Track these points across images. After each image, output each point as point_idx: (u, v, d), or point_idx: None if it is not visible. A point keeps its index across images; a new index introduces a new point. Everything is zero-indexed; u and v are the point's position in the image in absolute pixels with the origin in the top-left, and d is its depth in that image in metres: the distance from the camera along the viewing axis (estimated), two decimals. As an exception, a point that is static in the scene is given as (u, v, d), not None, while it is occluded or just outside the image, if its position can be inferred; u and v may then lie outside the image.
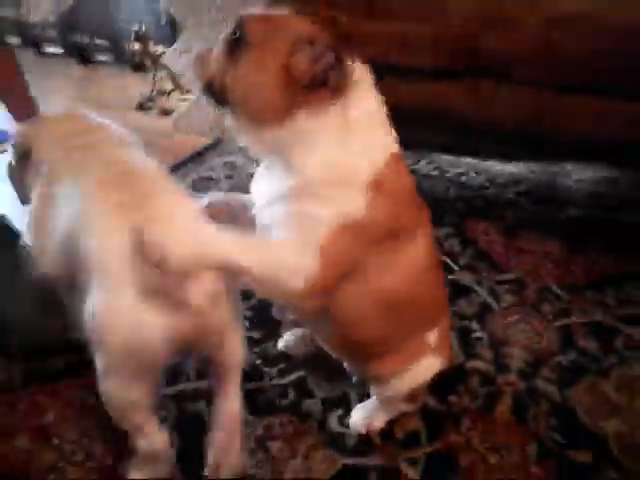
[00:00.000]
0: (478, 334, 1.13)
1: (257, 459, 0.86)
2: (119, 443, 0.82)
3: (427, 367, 0.83)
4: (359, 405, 0.94)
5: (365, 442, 0.90)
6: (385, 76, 1.22)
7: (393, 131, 0.72)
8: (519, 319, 1.17)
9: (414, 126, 1.80)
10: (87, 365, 0.92)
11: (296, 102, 0.64)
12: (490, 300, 1.22)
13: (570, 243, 1.42)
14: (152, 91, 2.40)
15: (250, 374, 0.98)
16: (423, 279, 0.76)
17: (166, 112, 2.31)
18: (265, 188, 0.73)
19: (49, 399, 0.97)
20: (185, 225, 0.67)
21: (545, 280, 1.29)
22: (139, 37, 2.27)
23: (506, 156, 1.84)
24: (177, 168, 1.79)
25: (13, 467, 0.85)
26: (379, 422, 0.91)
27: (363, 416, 0.91)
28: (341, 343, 0.80)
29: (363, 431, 0.91)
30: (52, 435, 0.90)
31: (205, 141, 2.03)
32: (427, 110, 1.27)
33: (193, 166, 1.83)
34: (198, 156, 1.91)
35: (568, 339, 1.12)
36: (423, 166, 1.86)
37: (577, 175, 1.78)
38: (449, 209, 1.58)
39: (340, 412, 0.95)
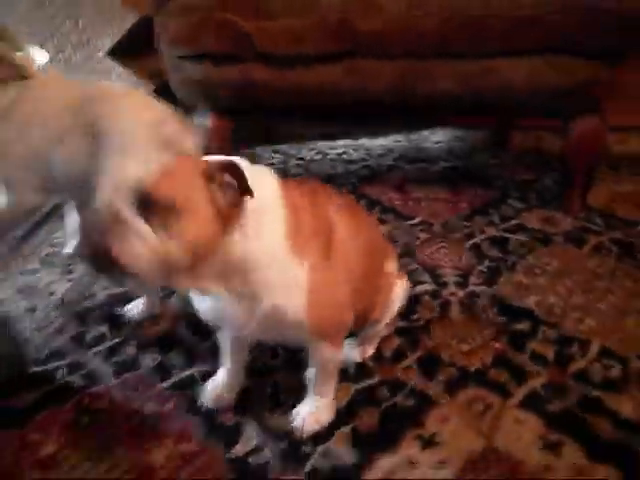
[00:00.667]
0: (414, 266, 1.33)
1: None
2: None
3: (400, 290, 1.02)
4: (348, 341, 1.05)
5: (363, 368, 1.04)
6: (277, 65, 1.40)
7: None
8: (438, 248, 1.41)
9: (294, 119, 1.99)
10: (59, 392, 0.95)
11: (232, 222, 0.69)
12: (410, 240, 1.44)
13: (450, 186, 1.72)
14: None
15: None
16: (366, 237, 0.90)
17: None
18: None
19: (39, 433, 0.93)
20: None
21: (444, 216, 1.56)
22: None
23: (374, 133, 2.13)
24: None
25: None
26: (371, 349, 1.06)
27: (357, 348, 1.05)
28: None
29: (359, 359, 1.05)
30: (57, 465, 0.88)
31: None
32: (314, 92, 1.45)
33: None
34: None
35: (479, 252, 1.38)
36: (307, 153, 2.05)
37: (434, 138, 2.12)
38: (343, 182, 1.78)
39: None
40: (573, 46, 1.30)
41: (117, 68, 1.83)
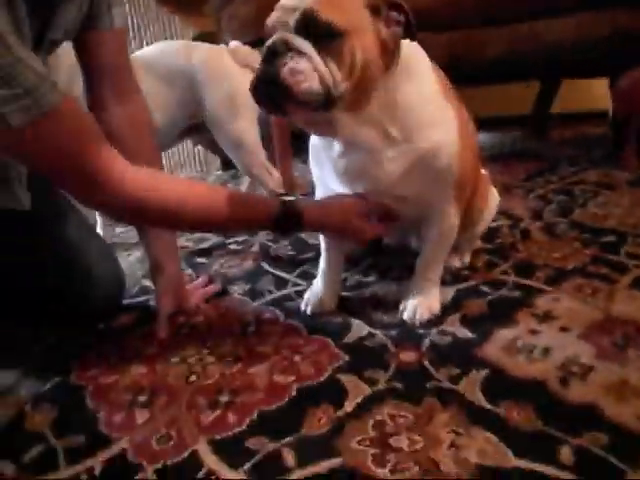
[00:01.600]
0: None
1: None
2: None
3: (493, 195, 1.04)
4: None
5: (459, 276, 1.03)
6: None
7: None
8: (504, 201, 1.43)
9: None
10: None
11: (392, 60, 0.72)
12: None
13: (501, 163, 1.77)
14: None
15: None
16: (472, 127, 0.92)
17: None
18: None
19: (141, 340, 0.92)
20: None
21: (502, 180, 1.59)
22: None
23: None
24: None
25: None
26: (467, 256, 1.09)
27: (454, 256, 1.05)
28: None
29: (458, 265, 1.07)
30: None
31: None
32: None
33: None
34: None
35: (545, 199, 1.41)
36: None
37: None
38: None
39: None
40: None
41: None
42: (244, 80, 1.19)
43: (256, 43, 1.51)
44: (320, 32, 0.65)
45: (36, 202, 0.91)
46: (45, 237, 0.93)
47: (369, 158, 0.79)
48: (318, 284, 0.98)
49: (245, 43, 1.53)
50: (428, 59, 0.79)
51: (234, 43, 1.33)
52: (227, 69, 1.30)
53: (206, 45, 1.35)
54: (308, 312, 0.96)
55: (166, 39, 1.92)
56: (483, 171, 1.04)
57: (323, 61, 0.66)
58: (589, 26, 1.43)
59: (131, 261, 1.30)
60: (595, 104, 2.33)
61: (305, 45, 0.65)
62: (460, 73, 1.56)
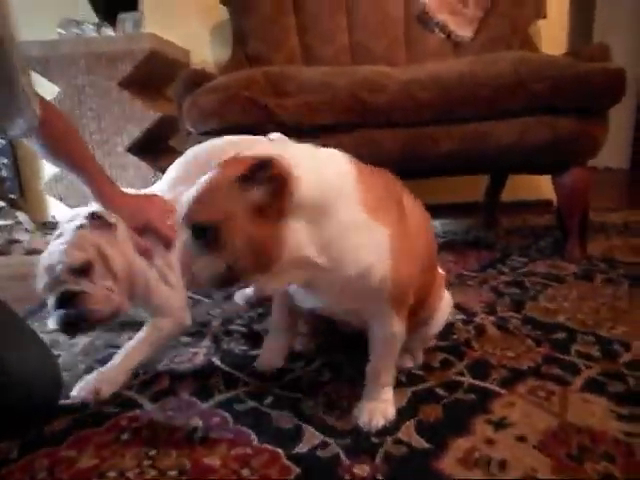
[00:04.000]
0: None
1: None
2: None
3: (447, 297, 1.05)
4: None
5: (414, 376, 1.02)
6: (297, 135, 1.54)
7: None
8: (457, 293, 1.44)
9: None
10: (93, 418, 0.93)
11: (279, 218, 0.71)
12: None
13: (455, 252, 1.82)
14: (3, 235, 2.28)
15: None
16: (427, 225, 0.97)
17: (33, 251, 2.20)
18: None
19: (74, 450, 0.84)
20: None
21: (456, 270, 1.62)
22: (-8, 184, 2.20)
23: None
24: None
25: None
26: (420, 356, 1.06)
27: (406, 356, 1.04)
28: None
29: (411, 365, 1.04)
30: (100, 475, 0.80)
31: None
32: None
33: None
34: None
35: (498, 292, 1.43)
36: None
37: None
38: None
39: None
40: (551, 106, 1.51)
41: (135, 163, 1.97)
42: None
43: (217, 132, 1.55)
44: (199, 232, 0.71)
45: None
46: None
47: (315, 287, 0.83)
48: (268, 341, 1.07)
49: (201, 133, 1.56)
50: (350, 177, 0.77)
51: (275, 135, 1.27)
52: None
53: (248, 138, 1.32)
54: (258, 369, 1.05)
55: (126, 122, 1.93)
56: (440, 271, 1.05)
57: (211, 254, 0.72)
58: (531, 130, 1.53)
59: (74, 352, 1.22)
60: (542, 193, 2.46)
61: (195, 249, 0.74)
62: (414, 167, 1.64)
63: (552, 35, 2.41)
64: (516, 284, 1.48)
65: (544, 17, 2.23)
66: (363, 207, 0.76)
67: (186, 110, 1.56)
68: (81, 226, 1.03)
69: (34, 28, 2.26)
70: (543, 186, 2.39)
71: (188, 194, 0.73)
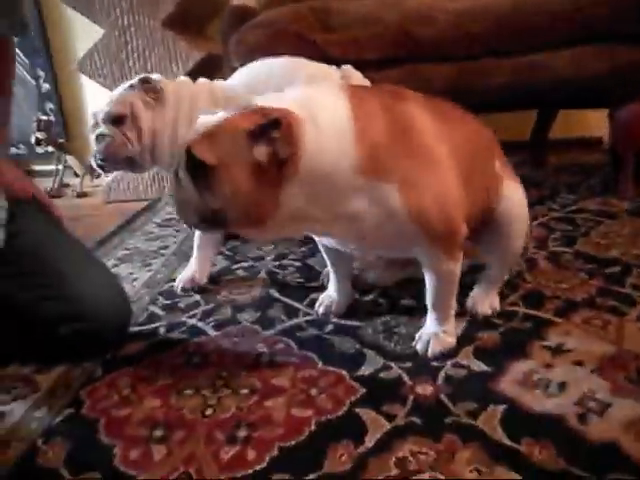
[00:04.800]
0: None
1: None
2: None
3: (516, 195, 0.97)
4: (474, 295, 1.03)
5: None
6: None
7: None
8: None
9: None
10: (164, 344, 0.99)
11: (278, 181, 0.71)
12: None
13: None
14: (55, 180, 2.36)
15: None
16: (463, 135, 0.88)
17: (83, 194, 2.28)
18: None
19: (150, 370, 0.91)
20: None
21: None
22: (42, 126, 2.26)
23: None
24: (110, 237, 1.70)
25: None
26: (496, 302, 1.02)
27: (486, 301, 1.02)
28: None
29: (490, 313, 1.01)
30: (175, 393, 0.84)
31: (136, 207, 2.03)
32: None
33: (128, 234, 1.73)
34: (130, 223, 1.83)
35: (548, 228, 1.43)
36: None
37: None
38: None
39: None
40: (610, 34, 1.44)
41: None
42: None
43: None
44: (195, 167, 0.70)
45: (19, 234, 0.92)
46: (30, 270, 0.92)
47: (335, 233, 0.84)
48: (331, 289, 1.06)
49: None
50: (351, 135, 0.72)
51: (347, 67, 1.31)
52: None
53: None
54: (320, 312, 1.05)
55: (171, 62, 1.93)
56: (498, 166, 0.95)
57: (199, 192, 0.72)
58: (588, 60, 1.47)
59: (136, 287, 1.29)
60: (591, 131, 2.38)
61: (185, 180, 0.73)
62: (464, 101, 1.60)
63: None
64: (567, 220, 1.47)
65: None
66: (363, 169, 0.73)
67: (233, 46, 1.54)
68: (131, 86, 1.21)
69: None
70: (593, 123, 2.30)
71: (200, 124, 0.73)
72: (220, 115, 0.72)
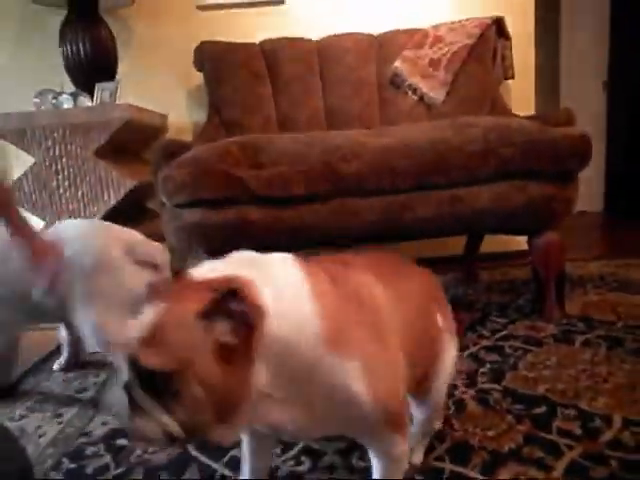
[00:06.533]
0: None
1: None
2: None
3: (452, 350, 0.96)
4: None
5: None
6: (269, 206, 1.55)
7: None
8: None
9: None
10: None
11: (249, 357, 0.60)
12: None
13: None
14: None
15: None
16: (416, 296, 0.89)
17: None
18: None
19: None
20: None
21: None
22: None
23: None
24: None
25: None
26: (419, 458, 0.98)
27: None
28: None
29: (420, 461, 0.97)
30: None
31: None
32: (304, 229, 1.59)
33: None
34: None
35: (478, 359, 1.42)
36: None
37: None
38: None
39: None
40: (525, 171, 1.55)
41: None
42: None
43: (190, 204, 1.55)
44: (149, 379, 0.57)
45: None
46: None
47: (285, 419, 0.69)
48: (244, 473, 0.90)
49: (175, 205, 1.56)
50: (313, 304, 0.65)
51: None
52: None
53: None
54: None
55: (102, 191, 1.93)
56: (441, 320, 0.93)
57: (159, 407, 0.59)
58: (505, 195, 1.56)
59: (41, 446, 1.17)
60: (520, 244, 2.49)
61: (141, 398, 0.59)
62: (391, 232, 1.65)
63: (521, 96, 2.50)
64: (496, 350, 1.47)
65: (512, 78, 2.31)
66: (326, 339, 0.64)
67: (160, 183, 1.56)
68: None
69: (13, 99, 2.29)
70: (520, 238, 2.42)
71: (133, 326, 0.59)
72: (154, 305, 0.60)
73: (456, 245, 2.34)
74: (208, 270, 0.64)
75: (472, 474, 0.93)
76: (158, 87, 2.46)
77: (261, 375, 0.61)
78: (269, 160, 1.58)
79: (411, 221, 1.61)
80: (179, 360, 0.56)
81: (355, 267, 0.79)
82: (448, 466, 0.96)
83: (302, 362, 0.63)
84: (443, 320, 0.94)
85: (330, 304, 0.67)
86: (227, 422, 0.61)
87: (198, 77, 2.33)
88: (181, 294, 0.61)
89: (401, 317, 0.78)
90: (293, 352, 0.62)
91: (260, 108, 2.18)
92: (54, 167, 1.92)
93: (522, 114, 2.06)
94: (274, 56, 2.27)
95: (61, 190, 1.93)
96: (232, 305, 0.57)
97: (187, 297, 0.59)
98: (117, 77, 2.28)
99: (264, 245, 1.62)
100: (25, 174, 1.96)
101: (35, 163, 1.94)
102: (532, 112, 2.39)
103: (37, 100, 2.09)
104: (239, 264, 0.65)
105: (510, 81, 2.38)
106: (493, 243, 2.41)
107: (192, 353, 0.57)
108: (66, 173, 1.92)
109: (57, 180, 1.93)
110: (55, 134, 1.90)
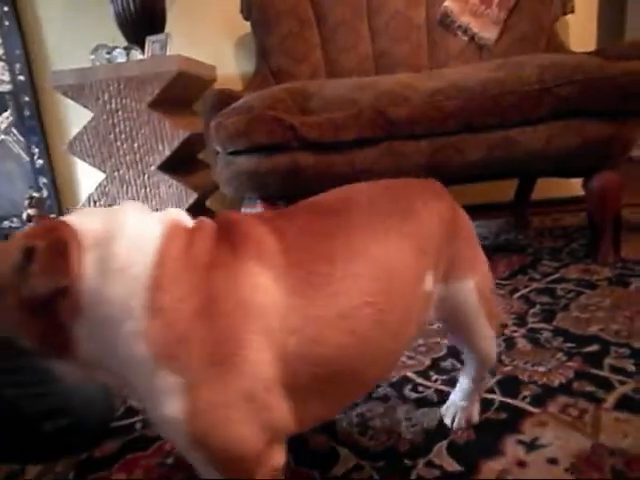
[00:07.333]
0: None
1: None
2: None
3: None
4: (449, 405, 0.96)
5: (443, 393, 1.03)
6: (320, 151, 1.56)
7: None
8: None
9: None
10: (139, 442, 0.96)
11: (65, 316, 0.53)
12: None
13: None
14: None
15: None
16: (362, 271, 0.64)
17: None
18: None
19: (124, 473, 0.90)
20: None
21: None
22: (33, 203, 2.30)
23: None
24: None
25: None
26: (475, 414, 0.94)
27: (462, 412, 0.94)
28: None
29: (465, 427, 0.92)
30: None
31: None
32: (354, 173, 1.61)
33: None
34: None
35: (528, 301, 1.43)
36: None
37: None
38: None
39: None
40: (582, 110, 1.49)
41: (167, 180, 2.03)
42: None
43: (244, 151, 1.59)
44: None
45: None
46: (16, 367, 0.92)
47: None
48: None
49: (230, 153, 1.61)
50: (151, 271, 0.52)
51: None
52: None
53: None
54: None
55: (157, 142, 2.00)
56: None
57: None
58: (559, 136, 1.51)
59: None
60: (574, 190, 2.42)
61: None
62: (441, 175, 1.64)
63: (581, 31, 2.36)
64: (548, 292, 1.47)
65: (572, 12, 2.18)
66: (150, 341, 0.51)
67: (213, 131, 1.60)
68: None
69: (70, 57, 2.36)
70: (575, 183, 2.35)
71: None
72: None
73: (504, 191, 2.30)
74: (69, 217, 0.57)
75: (522, 405, 0.96)
76: (206, 38, 2.47)
77: (85, 340, 0.54)
78: (319, 106, 1.59)
79: (461, 164, 1.60)
80: None
81: (251, 255, 0.56)
82: (498, 397, 1.00)
83: (121, 357, 0.53)
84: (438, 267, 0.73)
85: (176, 289, 0.52)
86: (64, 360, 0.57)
87: (245, 27, 2.32)
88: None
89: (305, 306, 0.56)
90: (107, 339, 0.53)
91: (308, 55, 2.17)
92: (111, 120, 2.00)
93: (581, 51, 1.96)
94: (321, 1, 2.23)
95: (118, 143, 2.01)
96: (29, 267, 0.51)
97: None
98: (166, 30, 2.31)
99: (316, 191, 1.67)
100: (85, 128, 2.04)
101: (93, 117, 2.02)
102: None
103: (93, 56, 2.15)
104: (100, 214, 0.56)
105: (569, 16, 2.24)
106: (544, 189, 2.35)
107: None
108: (122, 126, 1.99)
109: (114, 133, 2.01)
110: (111, 88, 1.97)
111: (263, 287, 0.55)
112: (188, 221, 0.60)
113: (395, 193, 0.73)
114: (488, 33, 2.12)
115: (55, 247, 0.51)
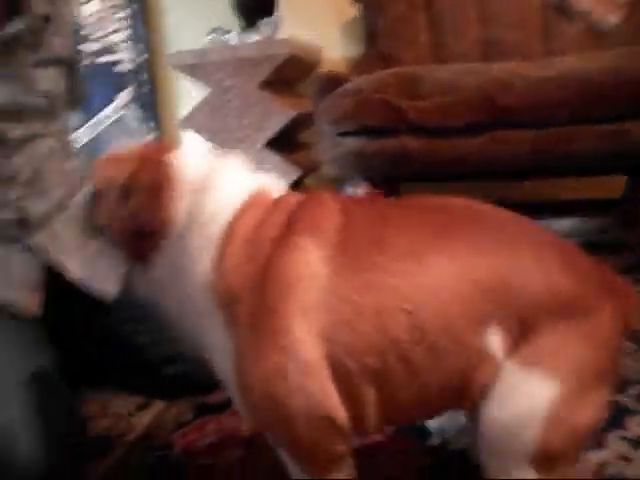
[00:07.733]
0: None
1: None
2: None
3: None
4: None
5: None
6: (427, 136, 1.57)
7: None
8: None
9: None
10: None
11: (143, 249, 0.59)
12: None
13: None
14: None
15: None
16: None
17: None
18: None
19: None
20: None
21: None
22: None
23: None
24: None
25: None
26: None
27: None
28: None
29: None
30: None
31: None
32: (460, 159, 1.61)
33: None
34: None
35: None
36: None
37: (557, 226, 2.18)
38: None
39: None
40: None
41: (272, 158, 2.14)
42: None
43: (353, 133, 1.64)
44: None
45: None
46: (141, 315, 1.02)
47: None
48: None
49: (339, 134, 1.66)
50: (227, 231, 0.57)
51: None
52: None
53: None
54: None
55: (264, 120, 2.10)
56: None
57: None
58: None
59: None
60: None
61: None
62: (545, 166, 1.61)
63: None
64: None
65: None
66: (212, 294, 0.57)
67: (323, 113, 1.66)
68: None
69: (187, 38, 2.52)
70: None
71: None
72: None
73: (613, 186, 2.18)
74: (180, 151, 0.62)
75: (628, 403, 0.95)
76: (313, 21, 2.53)
77: (156, 266, 0.60)
78: (427, 91, 1.60)
79: (567, 155, 1.55)
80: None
81: (307, 235, 0.56)
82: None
83: (180, 295, 0.60)
84: (506, 340, 0.53)
85: (234, 262, 0.56)
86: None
87: (352, 10, 2.36)
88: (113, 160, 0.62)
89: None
90: (177, 277, 0.59)
91: (416, 39, 2.16)
92: (223, 98, 2.12)
93: None
94: (431, -16, 2.21)
95: (228, 119, 2.13)
96: (132, 191, 0.57)
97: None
98: (276, 13, 2.39)
99: (419, 176, 1.70)
100: (198, 105, 2.19)
101: (209, 93, 2.17)
102: None
103: (210, 37, 2.28)
104: (206, 159, 0.62)
105: None
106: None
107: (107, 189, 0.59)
108: (234, 103, 2.11)
109: (225, 110, 2.13)
110: (225, 68, 2.09)
111: (312, 263, 0.54)
112: (276, 192, 0.62)
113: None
114: (609, 18, 2.00)
115: (156, 191, 0.56)
